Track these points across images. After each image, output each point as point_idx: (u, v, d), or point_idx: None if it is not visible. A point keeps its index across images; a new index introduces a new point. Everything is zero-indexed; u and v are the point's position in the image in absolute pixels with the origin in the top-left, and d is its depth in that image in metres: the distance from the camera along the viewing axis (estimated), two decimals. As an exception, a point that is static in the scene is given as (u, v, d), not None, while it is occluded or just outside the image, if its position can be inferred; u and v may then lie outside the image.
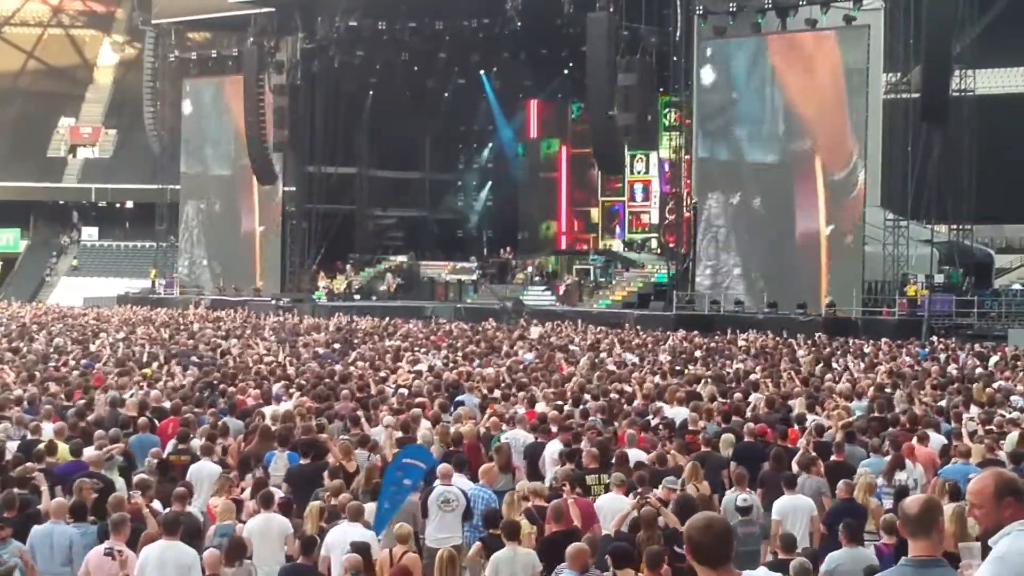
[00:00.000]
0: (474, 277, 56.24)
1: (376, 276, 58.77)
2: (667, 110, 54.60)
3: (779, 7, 45.34)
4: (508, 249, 58.35)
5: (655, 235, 58.75)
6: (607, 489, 13.78)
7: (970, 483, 5.65)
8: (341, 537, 11.61)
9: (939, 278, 44.54)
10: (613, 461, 14.59)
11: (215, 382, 22.32)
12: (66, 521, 11.92)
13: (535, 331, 38.58)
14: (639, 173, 60.13)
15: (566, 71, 57.41)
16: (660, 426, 17.66)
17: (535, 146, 65.18)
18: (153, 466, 14.63)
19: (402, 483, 12.15)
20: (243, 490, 13.70)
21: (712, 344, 34.40)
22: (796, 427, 17.79)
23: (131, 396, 19.65)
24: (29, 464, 13.78)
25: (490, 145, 65.57)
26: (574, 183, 63.70)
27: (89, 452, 14.58)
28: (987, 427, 17.28)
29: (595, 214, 62.62)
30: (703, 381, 23.11)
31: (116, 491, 13.06)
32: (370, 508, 12.69)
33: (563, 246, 63.25)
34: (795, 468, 14.57)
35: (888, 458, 15.21)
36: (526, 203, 65.03)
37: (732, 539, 5.38)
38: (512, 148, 64.53)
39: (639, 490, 12.72)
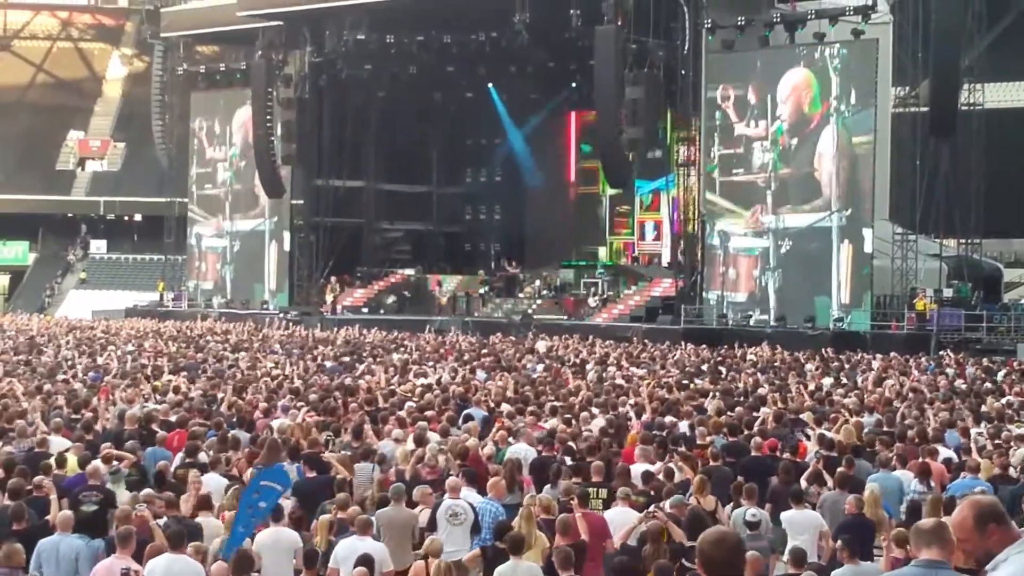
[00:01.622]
0: (482, 291, 56.19)
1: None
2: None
3: (787, 21, 45.34)
4: (515, 263, 58.29)
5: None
6: (605, 503, 13.75)
7: (950, 518, 5.48)
8: (351, 550, 11.59)
9: (948, 292, 44.48)
10: (616, 474, 14.58)
11: (222, 395, 22.30)
12: (72, 533, 11.89)
13: (542, 345, 38.57)
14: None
15: (574, 84, 57.41)
16: (664, 440, 17.56)
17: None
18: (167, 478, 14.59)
19: (258, 506, 12.04)
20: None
21: (720, 358, 34.35)
22: (806, 441, 17.75)
23: (139, 409, 19.64)
24: (37, 477, 13.76)
25: (498, 158, 65.44)
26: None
27: (95, 465, 14.55)
28: (995, 441, 17.25)
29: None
30: (711, 395, 23.06)
31: (119, 504, 13.03)
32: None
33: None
34: (803, 484, 14.53)
35: (896, 472, 15.21)
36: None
37: (743, 554, 5.40)
38: (519, 161, 64.14)
39: (659, 504, 12.69)
